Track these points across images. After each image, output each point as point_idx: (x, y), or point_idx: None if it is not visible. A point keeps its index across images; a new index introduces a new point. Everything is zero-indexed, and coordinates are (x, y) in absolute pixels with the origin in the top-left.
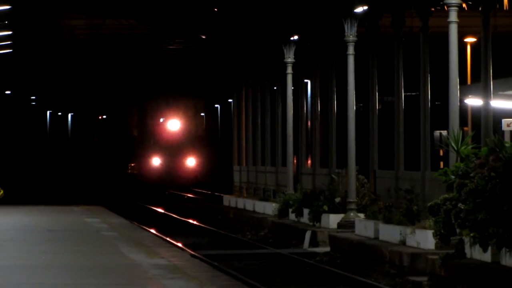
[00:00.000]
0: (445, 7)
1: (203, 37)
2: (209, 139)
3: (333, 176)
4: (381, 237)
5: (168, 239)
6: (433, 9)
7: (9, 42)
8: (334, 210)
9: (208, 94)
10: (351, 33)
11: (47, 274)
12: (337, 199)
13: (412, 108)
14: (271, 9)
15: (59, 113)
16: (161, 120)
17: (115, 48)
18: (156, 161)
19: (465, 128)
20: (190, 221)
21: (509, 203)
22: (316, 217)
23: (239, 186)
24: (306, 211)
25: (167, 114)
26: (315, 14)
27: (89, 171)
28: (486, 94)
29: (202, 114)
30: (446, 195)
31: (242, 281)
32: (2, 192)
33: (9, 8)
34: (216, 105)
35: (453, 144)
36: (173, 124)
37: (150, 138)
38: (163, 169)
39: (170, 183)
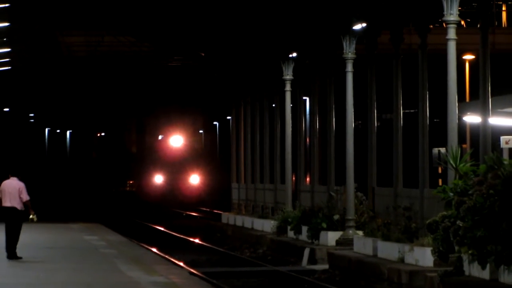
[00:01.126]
0: (444, 24)
1: (202, 54)
2: (210, 156)
3: (331, 193)
4: (380, 255)
5: (166, 256)
6: (431, 26)
7: (7, 59)
8: (333, 227)
9: (207, 111)
10: (349, 50)
11: None
12: (336, 217)
13: (411, 125)
14: (270, 26)
15: (58, 130)
16: (160, 137)
17: (114, 65)
18: (158, 179)
19: (464, 146)
20: (189, 238)
21: (508, 220)
22: (314, 234)
23: (237, 203)
24: (304, 228)
25: (169, 130)
26: (313, 31)
27: (87, 188)
28: (484, 111)
29: (201, 131)
30: (445, 213)
31: None
32: (35, 217)
33: (8, 25)
34: (214, 123)
35: (451, 162)
36: (176, 140)
37: (151, 155)
38: (166, 187)
39: (173, 201)
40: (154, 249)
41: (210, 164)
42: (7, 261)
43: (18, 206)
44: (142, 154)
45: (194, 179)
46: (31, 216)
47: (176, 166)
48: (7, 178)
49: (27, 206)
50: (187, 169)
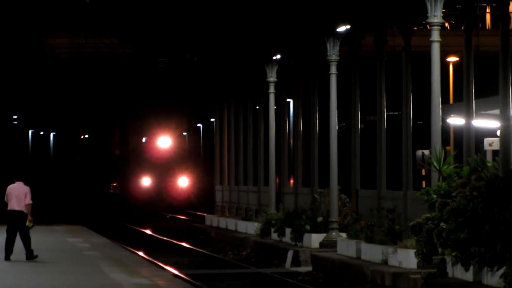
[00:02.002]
0: (428, 26)
1: (186, 56)
2: (197, 157)
3: (315, 195)
4: (363, 257)
5: (150, 258)
6: (415, 28)
7: None
8: (316, 229)
9: (191, 113)
10: (333, 52)
11: None
12: (319, 219)
13: (395, 128)
14: (253, 28)
15: (41, 133)
16: (144, 139)
17: (98, 67)
18: (146, 181)
19: (447, 148)
20: (172, 240)
21: (491, 222)
22: (298, 236)
23: (221, 205)
24: (288, 230)
25: (157, 131)
26: (297, 33)
27: (71, 191)
28: (468, 113)
29: (185, 133)
30: (428, 215)
31: None
32: (31, 224)
33: None
34: (198, 125)
35: (435, 164)
36: (164, 142)
37: (138, 157)
38: (154, 190)
39: (162, 204)
40: (137, 251)
41: (197, 166)
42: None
43: (24, 209)
44: (128, 156)
45: (183, 181)
46: (27, 223)
47: (164, 168)
48: (12, 182)
49: (28, 210)
50: (175, 171)
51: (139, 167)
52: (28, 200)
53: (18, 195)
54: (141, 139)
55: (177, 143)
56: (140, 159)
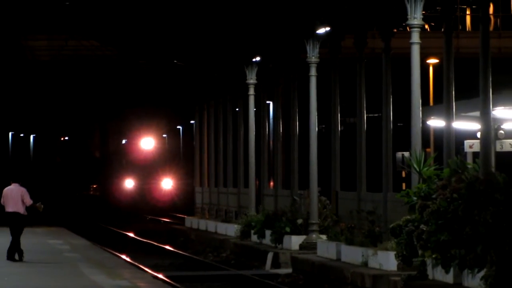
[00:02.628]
0: (408, 28)
1: (166, 58)
2: (178, 159)
3: (295, 197)
4: (343, 259)
5: (130, 260)
6: (395, 30)
7: None
8: (296, 231)
9: (171, 114)
10: (313, 54)
11: None
12: (299, 221)
13: (374, 130)
14: (233, 30)
15: (21, 134)
16: (124, 141)
17: (78, 69)
18: (128, 183)
19: (428, 150)
20: (152, 242)
21: (472, 224)
22: (278, 238)
23: (201, 207)
24: (268, 232)
25: (139, 132)
26: (277, 35)
27: (51, 193)
28: (448, 115)
29: (164, 135)
30: (408, 217)
31: None
32: (42, 206)
33: None
34: (178, 127)
35: (415, 166)
36: (147, 143)
37: (120, 158)
38: (137, 192)
39: (146, 207)
40: (117, 253)
41: (179, 168)
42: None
43: (21, 211)
44: (110, 157)
45: (167, 183)
46: (40, 209)
47: (148, 170)
48: (9, 184)
49: (34, 207)
50: (158, 172)
51: (122, 169)
52: (28, 201)
53: (14, 197)
54: (122, 141)
55: (160, 144)
56: (123, 160)
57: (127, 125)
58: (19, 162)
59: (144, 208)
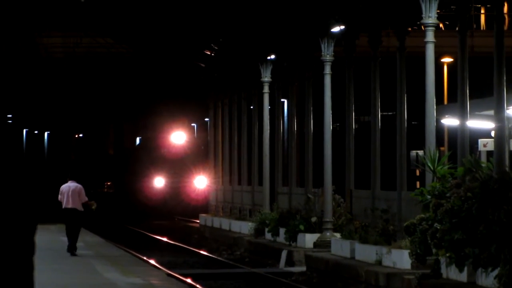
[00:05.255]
0: (422, 27)
1: (180, 55)
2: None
3: (309, 195)
4: (357, 257)
5: (144, 258)
6: (410, 29)
7: None
8: (310, 229)
9: (187, 111)
10: (327, 53)
11: None
12: (313, 219)
13: (389, 128)
14: (248, 28)
15: (36, 132)
16: (138, 139)
17: (92, 67)
18: (158, 182)
19: (442, 148)
20: (166, 240)
21: (485, 223)
22: (292, 236)
23: (215, 205)
24: (282, 230)
25: (168, 126)
26: (292, 33)
27: None
28: (462, 114)
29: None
30: (422, 215)
31: None
32: (95, 205)
33: None
34: (192, 124)
35: (429, 164)
36: (178, 137)
37: (147, 155)
38: (169, 191)
39: (178, 207)
40: (131, 251)
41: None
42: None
43: (79, 207)
44: (132, 154)
45: (200, 181)
46: (93, 206)
47: (179, 167)
48: (65, 182)
49: (87, 204)
50: (191, 170)
51: (151, 166)
52: (83, 198)
53: (72, 193)
54: (160, 134)
55: (192, 139)
56: (150, 157)
57: (153, 120)
58: (76, 159)
59: (175, 208)
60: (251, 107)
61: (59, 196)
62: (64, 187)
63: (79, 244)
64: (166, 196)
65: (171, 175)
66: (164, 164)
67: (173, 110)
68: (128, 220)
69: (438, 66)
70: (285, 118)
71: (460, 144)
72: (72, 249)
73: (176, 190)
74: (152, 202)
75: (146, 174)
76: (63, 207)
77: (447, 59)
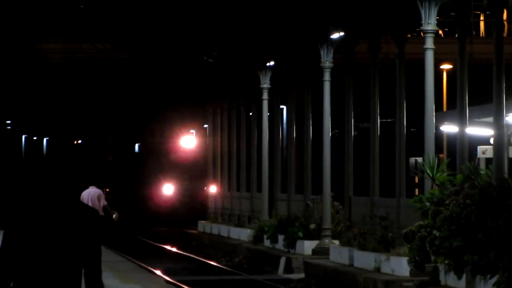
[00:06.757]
0: (422, 34)
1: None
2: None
3: (308, 202)
4: (356, 264)
5: (143, 264)
6: (409, 35)
7: None
8: (309, 236)
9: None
10: (327, 59)
11: None
12: (312, 226)
13: (388, 135)
14: (247, 34)
15: (35, 138)
16: (137, 145)
17: (91, 72)
18: (168, 189)
19: (441, 155)
20: (165, 246)
21: (484, 230)
22: (291, 243)
23: (214, 211)
24: (281, 237)
25: (177, 131)
26: (291, 40)
27: None
28: (462, 121)
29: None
30: (421, 222)
31: None
32: (116, 214)
33: None
34: (191, 130)
35: (428, 171)
36: (188, 142)
37: (155, 160)
38: (177, 198)
39: (190, 214)
40: (130, 257)
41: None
42: None
43: (99, 211)
44: (143, 158)
45: (212, 188)
46: (114, 216)
47: (189, 173)
48: (86, 188)
49: (107, 209)
50: (202, 176)
51: (159, 172)
52: (103, 202)
53: (93, 199)
54: (168, 138)
55: (201, 144)
56: (161, 162)
57: (161, 124)
58: (97, 164)
59: (185, 215)
60: (250, 113)
61: None
62: (85, 193)
63: None
64: (177, 202)
65: (182, 181)
66: (174, 170)
67: (182, 115)
68: (128, 226)
69: (438, 73)
70: (284, 125)
71: (459, 151)
72: None
73: (188, 196)
74: (162, 209)
75: (155, 181)
76: None
77: (446, 66)
